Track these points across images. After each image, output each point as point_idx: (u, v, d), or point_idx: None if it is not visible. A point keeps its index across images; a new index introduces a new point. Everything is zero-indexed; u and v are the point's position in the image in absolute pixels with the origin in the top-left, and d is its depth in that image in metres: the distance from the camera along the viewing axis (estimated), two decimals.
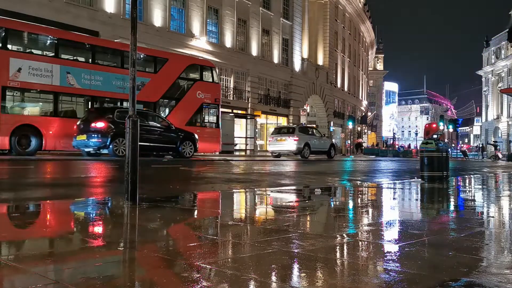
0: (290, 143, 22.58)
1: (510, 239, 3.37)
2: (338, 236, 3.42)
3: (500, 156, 46.25)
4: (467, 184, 9.80)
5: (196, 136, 17.62)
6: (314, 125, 37.47)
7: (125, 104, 17.77)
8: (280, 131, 24.54)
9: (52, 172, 10.50)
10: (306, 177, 10.79)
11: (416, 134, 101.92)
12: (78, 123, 15.56)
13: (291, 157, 23.82)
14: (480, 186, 9.29)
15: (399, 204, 5.81)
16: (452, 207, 5.69)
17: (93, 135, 14.86)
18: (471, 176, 13.19)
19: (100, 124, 14.87)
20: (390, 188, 8.03)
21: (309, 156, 22.90)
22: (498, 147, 51.84)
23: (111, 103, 18.38)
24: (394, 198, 6.50)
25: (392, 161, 27.88)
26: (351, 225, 4.02)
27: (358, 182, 9.67)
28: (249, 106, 33.70)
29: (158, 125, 16.59)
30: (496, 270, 2.38)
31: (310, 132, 24.21)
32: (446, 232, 3.57)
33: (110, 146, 14.88)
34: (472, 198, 6.87)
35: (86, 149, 15.65)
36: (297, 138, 22.58)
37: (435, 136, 10.10)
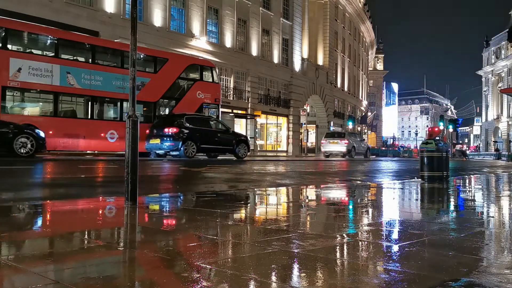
0: (341, 145, 27.45)
1: (510, 239, 3.37)
2: (338, 236, 3.42)
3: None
4: (467, 184, 9.80)
5: (249, 138, 20.23)
6: (357, 131, 43.70)
7: (125, 104, 17.79)
8: (332, 135, 29.96)
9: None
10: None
11: (416, 134, 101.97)
12: (150, 128, 17.58)
13: (333, 156, 28.17)
14: (480, 186, 9.29)
15: (399, 204, 5.81)
16: (452, 207, 5.69)
17: (166, 139, 16.95)
18: (471, 176, 13.19)
19: (173, 130, 16.98)
20: (390, 188, 8.03)
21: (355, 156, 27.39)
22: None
23: (111, 103, 18.41)
24: (394, 198, 6.51)
25: (392, 161, 27.89)
26: (351, 225, 4.02)
27: (358, 182, 9.68)
28: (249, 106, 33.70)
29: (219, 129, 18.77)
30: (496, 270, 2.38)
31: (354, 137, 29.81)
32: (446, 232, 3.56)
33: (181, 149, 16.94)
34: (472, 198, 6.86)
35: (158, 151, 17.68)
36: (347, 142, 27.57)
37: (437, 138, 10.12)
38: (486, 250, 2.97)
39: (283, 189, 7.38)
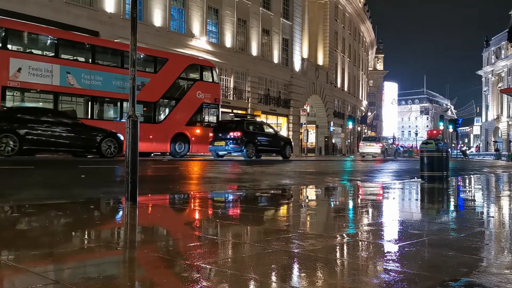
0: (376, 148, 33.61)
1: (510, 239, 3.37)
2: (338, 235, 3.42)
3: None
4: (467, 184, 9.80)
5: (292, 141, 23.92)
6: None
7: (125, 104, 17.80)
8: (368, 139, 37.87)
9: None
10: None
11: (416, 134, 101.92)
12: (214, 131, 19.60)
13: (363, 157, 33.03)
14: (480, 186, 9.29)
15: (399, 204, 5.81)
16: (452, 207, 5.69)
17: (231, 142, 18.99)
18: (471, 176, 13.19)
19: (237, 134, 19.05)
20: (390, 187, 8.03)
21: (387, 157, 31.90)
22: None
23: (111, 103, 18.41)
24: (394, 198, 6.51)
25: (392, 161, 27.90)
26: (351, 225, 4.02)
27: (358, 182, 9.68)
28: (249, 106, 33.70)
29: (270, 132, 21.02)
30: (496, 270, 2.38)
31: (386, 140, 36.94)
32: (446, 232, 3.57)
33: (244, 150, 18.98)
34: (472, 198, 6.87)
35: (221, 153, 19.94)
36: (381, 145, 33.95)
37: (437, 138, 10.13)
38: (486, 250, 2.97)
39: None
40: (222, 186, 7.90)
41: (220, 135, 19.31)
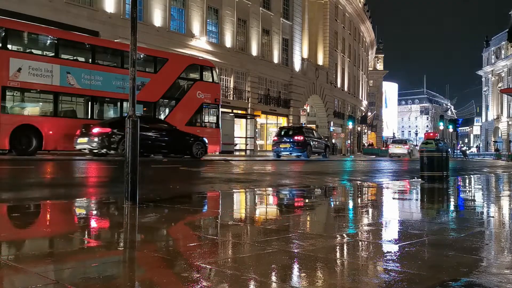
0: (403, 149, 37.59)
1: (510, 239, 3.37)
2: (338, 236, 3.42)
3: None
4: (467, 184, 9.80)
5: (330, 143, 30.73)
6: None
7: (125, 104, 17.79)
8: (397, 141, 43.88)
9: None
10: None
11: (416, 134, 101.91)
12: (277, 136, 24.54)
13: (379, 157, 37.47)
14: (480, 186, 9.29)
15: (399, 204, 5.81)
16: (452, 207, 5.69)
17: (294, 145, 23.40)
18: (471, 176, 13.19)
19: (299, 138, 23.40)
20: (390, 187, 8.03)
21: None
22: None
23: (111, 103, 18.40)
24: (394, 198, 6.51)
25: (392, 161, 27.88)
26: (351, 225, 4.02)
27: (359, 182, 9.68)
28: (249, 106, 33.69)
29: (319, 137, 26.56)
30: (496, 270, 2.38)
31: (412, 142, 43.07)
32: (446, 232, 3.57)
33: (305, 152, 23.41)
34: (472, 198, 6.87)
35: (284, 153, 24.27)
36: (408, 146, 38.13)
37: (437, 138, 10.13)
38: (486, 250, 2.97)
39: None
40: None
41: (285, 139, 23.93)
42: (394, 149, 38.25)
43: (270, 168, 14.43)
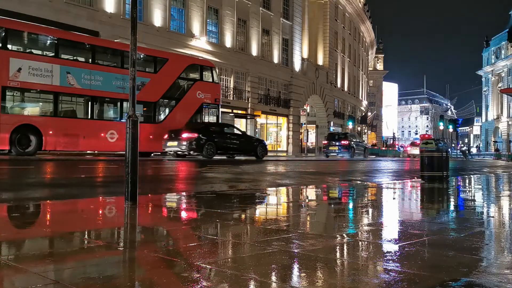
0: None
1: (510, 239, 3.37)
2: (338, 235, 3.42)
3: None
4: (467, 184, 9.80)
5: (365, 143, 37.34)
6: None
7: (125, 104, 17.79)
8: (415, 144, 43.75)
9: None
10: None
11: (416, 133, 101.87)
12: (327, 140, 31.02)
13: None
14: (480, 186, 9.29)
15: (399, 204, 5.81)
16: (452, 207, 5.70)
17: (341, 147, 29.48)
18: (471, 176, 13.19)
19: (346, 142, 29.56)
20: (390, 187, 8.03)
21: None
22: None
23: (111, 103, 18.40)
24: (394, 198, 6.51)
25: (392, 161, 27.89)
26: (351, 225, 4.02)
27: (358, 182, 9.68)
28: (249, 106, 33.68)
29: (361, 140, 32.58)
30: (496, 270, 2.38)
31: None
32: (446, 232, 3.57)
33: (350, 153, 29.18)
34: (472, 198, 6.87)
35: (332, 154, 30.00)
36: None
37: (437, 138, 10.16)
38: (486, 250, 2.97)
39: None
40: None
41: (334, 142, 29.94)
42: (413, 150, 41.59)
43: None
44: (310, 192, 7.21)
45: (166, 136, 18.05)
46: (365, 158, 30.44)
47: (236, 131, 20.19)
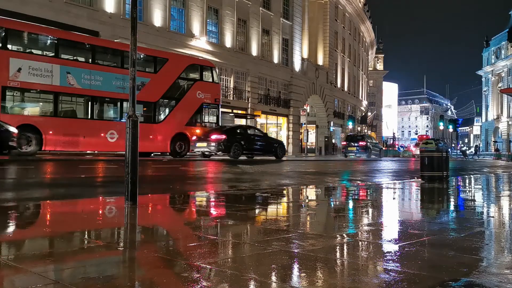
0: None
1: (510, 239, 3.37)
2: (338, 235, 3.41)
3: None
4: (467, 184, 9.80)
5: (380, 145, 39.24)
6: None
7: (125, 104, 17.78)
8: (425, 142, 51.07)
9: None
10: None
11: (416, 133, 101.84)
12: (346, 141, 33.58)
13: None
14: (480, 186, 9.29)
15: (400, 204, 5.81)
16: (452, 207, 5.69)
17: (359, 148, 31.70)
18: (471, 176, 13.19)
19: (363, 143, 31.90)
20: (390, 187, 8.03)
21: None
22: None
23: (111, 103, 18.39)
24: (394, 198, 6.51)
25: (393, 161, 27.89)
26: (351, 225, 4.02)
27: (358, 182, 9.68)
28: (249, 106, 33.68)
29: (376, 141, 35.13)
30: (496, 270, 2.38)
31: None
32: (446, 232, 3.57)
33: (367, 153, 31.53)
34: (472, 198, 6.86)
35: (350, 155, 32.02)
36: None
37: (437, 138, 10.17)
38: (486, 250, 2.97)
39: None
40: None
41: (352, 143, 32.22)
42: (418, 151, 46.80)
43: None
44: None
45: (194, 138, 19.45)
46: (380, 159, 31.74)
47: (258, 133, 21.62)
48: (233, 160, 18.38)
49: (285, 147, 22.37)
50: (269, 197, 6.12)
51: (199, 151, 19.57)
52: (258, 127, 36.75)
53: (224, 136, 18.90)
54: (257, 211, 4.85)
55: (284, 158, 21.99)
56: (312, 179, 10.23)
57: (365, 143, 31.78)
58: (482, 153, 67.96)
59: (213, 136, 18.84)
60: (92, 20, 22.03)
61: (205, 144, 18.96)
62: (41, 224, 3.97)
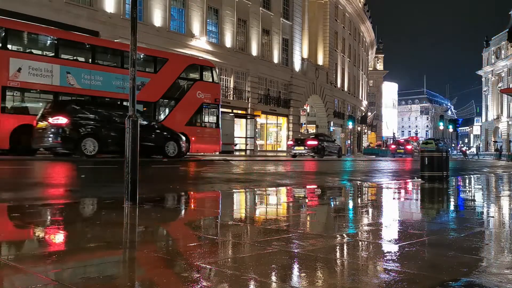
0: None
1: (510, 239, 3.37)
2: (338, 236, 3.41)
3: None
4: (467, 184, 9.80)
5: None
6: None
7: (125, 104, 17.77)
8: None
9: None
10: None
11: (416, 133, 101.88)
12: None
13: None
14: (480, 186, 9.29)
15: (400, 204, 5.81)
16: (452, 207, 5.69)
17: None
18: (471, 176, 13.19)
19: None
20: (390, 187, 8.03)
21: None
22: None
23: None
24: (394, 198, 6.51)
25: (393, 161, 27.88)
26: (351, 225, 4.02)
27: (359, 182, 9.68)
28: (249, 106, 33.67)
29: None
30: (496, 270, 2.38)
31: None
32: (446, 232, 3.57)
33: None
34: (472, 198, 6.86)
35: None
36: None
37: (437, 138, 10.18)
38: (486, 250, 2.97)
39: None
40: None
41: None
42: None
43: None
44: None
45: (291, 143, 26.67)
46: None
47: (330, 139, 28.59)
48: (320, 159, 23.90)
49: (341, 148, 28.35)
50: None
51: (296, 153, 25.77)
52: (259, 127, 37.00)
53: (317, 141, 25.47)
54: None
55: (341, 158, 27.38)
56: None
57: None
58: (482, 153, 67.96)
59: (309, 142, 25.58)
60: (92, 20, 22.03)
61: (302, 147, 25.58)
62: (40, 224, 3.96)
